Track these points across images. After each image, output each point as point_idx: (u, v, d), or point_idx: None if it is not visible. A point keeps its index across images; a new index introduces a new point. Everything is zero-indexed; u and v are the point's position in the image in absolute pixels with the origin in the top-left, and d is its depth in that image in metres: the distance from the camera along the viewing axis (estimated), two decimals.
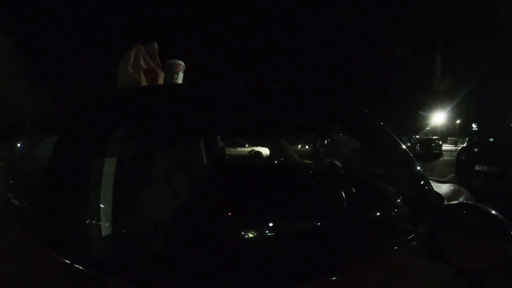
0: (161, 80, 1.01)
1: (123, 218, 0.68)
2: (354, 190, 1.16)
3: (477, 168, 5.09)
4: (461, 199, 1.47)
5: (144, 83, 0.92)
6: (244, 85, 0.86)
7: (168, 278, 0.61)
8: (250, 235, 0.81)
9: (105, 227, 0.63)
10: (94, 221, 0.62)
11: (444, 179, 6.73)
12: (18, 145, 1.32)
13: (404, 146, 0.89)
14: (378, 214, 0.90)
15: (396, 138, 0.88)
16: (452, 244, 0.73)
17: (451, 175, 6.85)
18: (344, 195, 1.06)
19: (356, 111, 0.89)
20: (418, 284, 0.75)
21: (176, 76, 1.00)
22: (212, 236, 0.80)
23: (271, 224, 0.86)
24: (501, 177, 4.72)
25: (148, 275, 0.59)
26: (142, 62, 0.93)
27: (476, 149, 5.51)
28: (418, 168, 0.89)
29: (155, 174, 0.94)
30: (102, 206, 0.63)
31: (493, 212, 0.73)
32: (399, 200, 0.89)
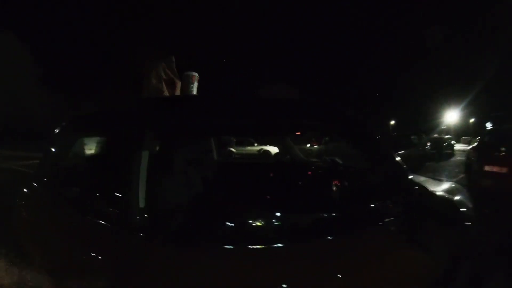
0: (178, 88, 1.15)
1: (153, 197, 0.86)
2: (346, 183, 1.33)
3: (486, 168, 5.05)
4: (457, 197, 1.60)
5: (165, 92, 1.06)
6: (270, 92, 1.03)
7: (181, 237, 0.84)
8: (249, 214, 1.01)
9: (141, 202, 0.83)
10: (134, 198, 0.82)
11: (454, 180, 6.68)
12: (53, 145, 1.54)
13: (385, 146, 1.03)
14: (363, 201, 1.04)
15: (378, 139, 1.02)
16: (421, 227, 0.90)
17: (461, 175, 6.78)
18: (334, 187, 1.23)
19: (343, 114, 1.05)
20: (396, 260, 0.91)
21: (191, 85, 1.14)
22: (218, 210, 1.02)
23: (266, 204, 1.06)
24: (511, 178, 4.69)
25: (170, 235, 0.83)
26: (162, 73, 1.06)
27: (486, 150, 5.45)
28: (399, 164, 1.03)
29: (175, 167, 1.11)
30: (140, 187, 0.82)
31: (457, 205, 0.87)
32: (383, 191, 1.02)
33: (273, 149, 14.63)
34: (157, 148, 0.99)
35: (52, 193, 1.28)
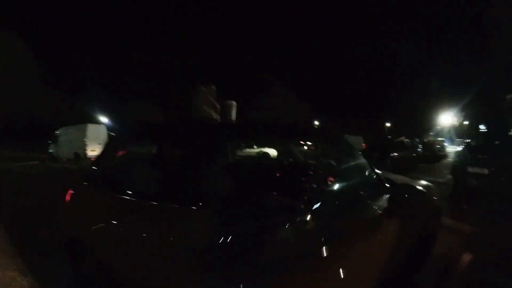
0: (218, 111, 1.55)
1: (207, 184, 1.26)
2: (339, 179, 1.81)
3: (470, 170, 5.50)
4: (429, 193, 2.08)
5: (214, 116, 1.47)
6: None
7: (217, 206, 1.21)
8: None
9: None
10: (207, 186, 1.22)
11: (442, 180, 7.12)
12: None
13: (357, 150, 1.53)
14: (351, 191, 1.53)
15: (352, 146, 1.50)
16: (396, 204, 1.39)
17: (450, 176, 7.21)
18: (330, 182, 1.71)
19: (329, 132, 1.56)
20: (382, 229, 1.42)
21: (232, 112, 1.56)
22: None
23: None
24: (492, 178, 5.13)
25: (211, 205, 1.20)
26: (208, 100, 1.47)
27: (471, 152, 5.90)
28: (369, 164, 1.49)
29: (212, 166, 1.54)
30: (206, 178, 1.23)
31: (419, 188, 1.38)
32: (367, 185, 1.48)
33: (272, 151, 15.04)
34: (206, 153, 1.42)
35: (114, 189, 1.67)
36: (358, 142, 17.27)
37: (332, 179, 1.88)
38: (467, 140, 7.87)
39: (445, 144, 17.67)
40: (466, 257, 2.62)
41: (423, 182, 2.27)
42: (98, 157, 1.87)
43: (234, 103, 1.56)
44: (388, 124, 48.53)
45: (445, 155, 15.64)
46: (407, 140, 11.93)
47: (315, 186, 1.89)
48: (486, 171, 5.20)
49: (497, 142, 6.01)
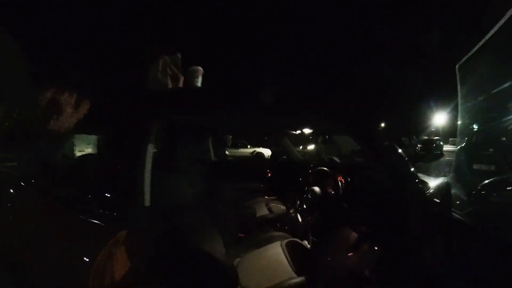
0: (181, 83, 1.16)
1: (157, 194, 0.83)
2: (349, 179, 1.49)
3: (475, 167, 5.23)
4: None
5: (170, 86, 1.08)
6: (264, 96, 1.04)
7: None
8: None
9: (146, 200, 0.79)
10: (140, 195, 0.78)
11: (444, 178, 6.83)
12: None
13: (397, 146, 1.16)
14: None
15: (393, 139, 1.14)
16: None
17: (451, 174, 6.94)
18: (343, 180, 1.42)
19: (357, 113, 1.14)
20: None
21: (196, 80, 1.16)
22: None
23: None
24: (498, 175, 4.86)
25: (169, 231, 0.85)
26: (168, 69, 1.08)
27: (474, 149, 5.64)
28: (406, 160, 1.10)
29: (178, 165, 1.10)
30: (145, 185, 0.78)
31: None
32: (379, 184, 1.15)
33: (266, 151, 14.76)
34: (162, 145, 1.01)
35: (43, 194, 1.25)
36: (352, 142, 17.12)
37: (342, 178, 1.58)
38: (465, 138, 7.67)
39: (441, 143, 17.57)
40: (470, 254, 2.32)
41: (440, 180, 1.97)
42: (34, 154, 1.44)
43: (200, 68, 1.17)
44: (382, 124, 48.74)
45: (441, 154, 15.51)
46: (404, 138, 11.73)
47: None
48: (493, 167, 4.93)
49: (500, 139, 5.76)
